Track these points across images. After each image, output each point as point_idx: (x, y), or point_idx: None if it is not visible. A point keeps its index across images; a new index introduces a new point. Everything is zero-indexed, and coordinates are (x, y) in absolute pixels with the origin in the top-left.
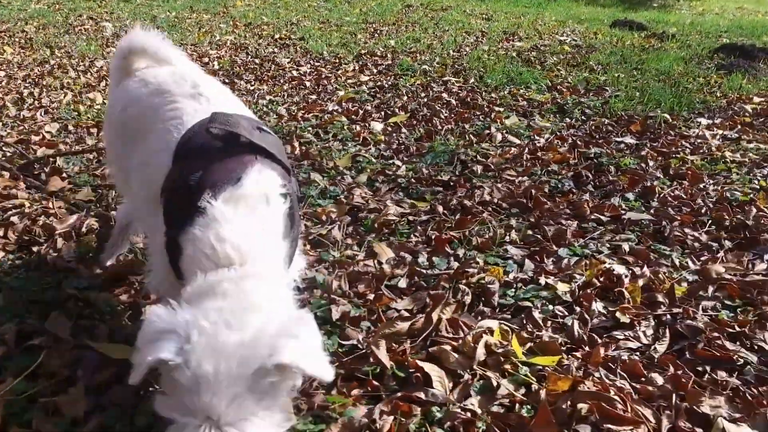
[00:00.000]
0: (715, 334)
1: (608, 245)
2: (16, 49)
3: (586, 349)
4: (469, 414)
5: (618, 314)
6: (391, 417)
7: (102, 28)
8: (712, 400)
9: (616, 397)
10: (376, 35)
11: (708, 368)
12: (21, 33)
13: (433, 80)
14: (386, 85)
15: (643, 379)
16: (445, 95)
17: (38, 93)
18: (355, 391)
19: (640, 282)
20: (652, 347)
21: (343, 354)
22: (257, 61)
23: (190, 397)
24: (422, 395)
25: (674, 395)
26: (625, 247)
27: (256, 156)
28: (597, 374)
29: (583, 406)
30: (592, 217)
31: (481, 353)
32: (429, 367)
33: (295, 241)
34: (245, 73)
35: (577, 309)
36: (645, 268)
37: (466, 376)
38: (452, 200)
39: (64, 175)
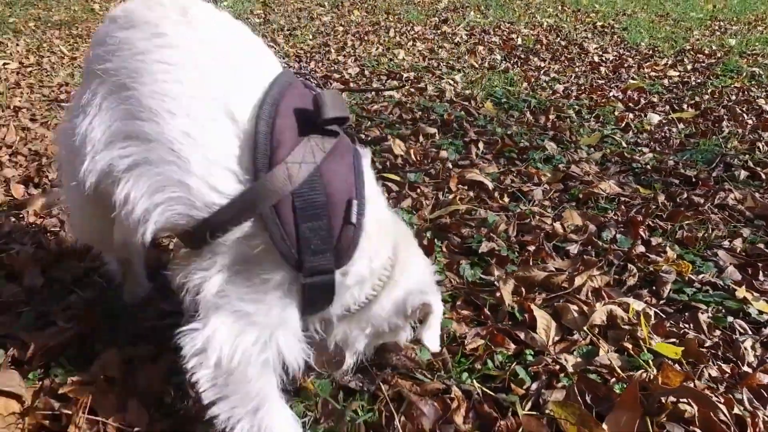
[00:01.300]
0: None
1: None
2: (362, 13)
3: (745, 369)
4: (558, 367)
5: None
6: (482, 341)
7: (437, 1)
8: None
9: (723, 408)
10: (717, 33)
11: None
12: (372, 1)
13: (758, 84)
14: (693, 83)
15: None
16: (761, 101)
17: (358, 44)
18: (465, 312)
19: None
20: None
21: (478, 285)
22: (563, 43)
23: None
24: (522, 335)
25: None
26: None
27: (354, 149)
28: (738, 395)
29: (687, 409)
30: None
31: (598, 317)
32: (539, 314)
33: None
34: (543, 52)
35: (766, 331)
36: None
37: (577, 336)
38: (683, 194)
39: None
